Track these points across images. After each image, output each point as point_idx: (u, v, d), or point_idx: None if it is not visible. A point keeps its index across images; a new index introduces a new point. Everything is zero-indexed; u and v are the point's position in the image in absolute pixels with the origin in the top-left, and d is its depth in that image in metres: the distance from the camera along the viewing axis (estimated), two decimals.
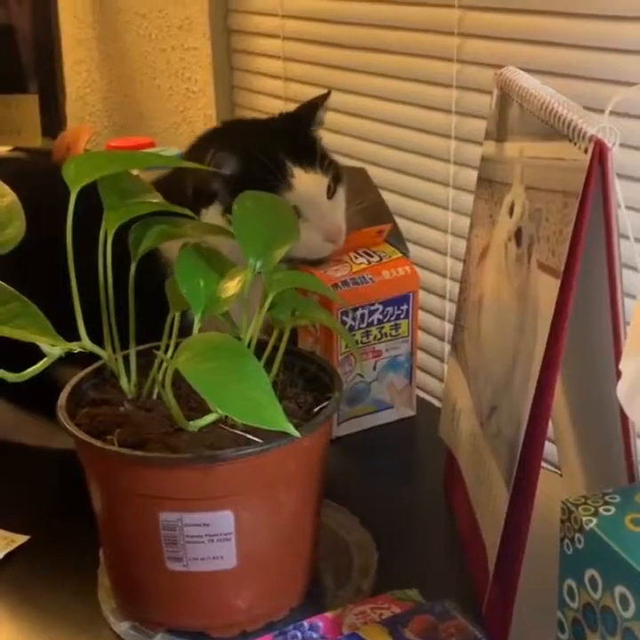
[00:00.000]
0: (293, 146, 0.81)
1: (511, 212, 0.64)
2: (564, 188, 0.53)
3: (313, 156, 0.81)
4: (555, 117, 0.55)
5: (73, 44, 1.92)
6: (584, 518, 0.47)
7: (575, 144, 0.51)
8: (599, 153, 0.49)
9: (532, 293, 0.58)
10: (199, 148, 0.83)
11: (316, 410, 0.63)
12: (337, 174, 0.83)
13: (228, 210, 0.78)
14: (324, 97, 0.86)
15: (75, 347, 0.59)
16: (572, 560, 0.49)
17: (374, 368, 0.90)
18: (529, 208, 0.60)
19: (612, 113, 0.51)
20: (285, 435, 0.53)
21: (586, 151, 0.50)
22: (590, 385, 0.62)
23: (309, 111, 0.86)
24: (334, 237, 0.82)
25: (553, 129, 0.55)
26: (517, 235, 0.62)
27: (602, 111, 0.51)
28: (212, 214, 0.80)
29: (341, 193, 0.84)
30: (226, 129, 0.88)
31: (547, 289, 0.54)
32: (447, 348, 1.22)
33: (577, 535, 0.48)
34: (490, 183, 0.71)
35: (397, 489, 0.82)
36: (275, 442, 0.57)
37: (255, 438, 0.58)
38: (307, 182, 0.80)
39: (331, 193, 0.82)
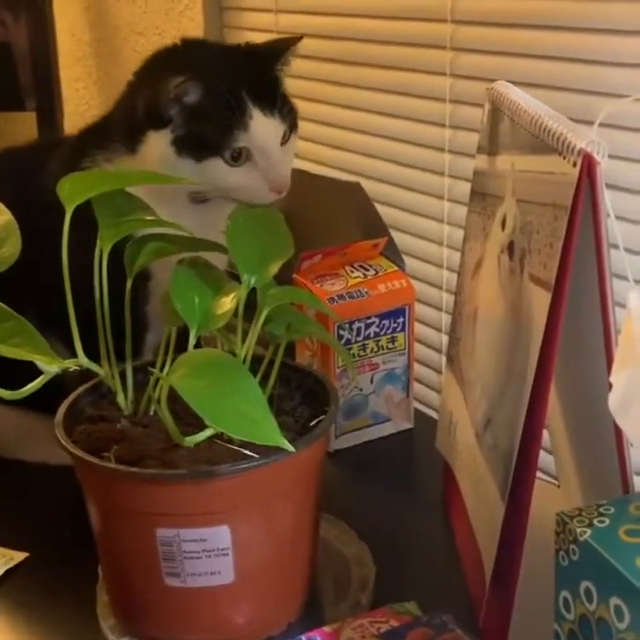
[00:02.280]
0: (256, 84, 0.77)
1: (503, 226, 0.64)
2: (553, 201, 0.54)
3: (274, 99, 0.77)
4: (544, 131, 0.55)
5: (70, 62, 1.93)
6: (578, 530, 0.47)
7: (564, 158, 0.52)
8: (588, 167, 0.49)
9: (525, 306, 0.58)
10: (162, 70, 0.77)
11: (312, 424, 0.63)
12: (293, 122, 0.80)
13: (177, 140, 0.75)
14: (296, 39, 0.81)
15: (71, 365, 0.60)
16: (568, 572, 0.49)
17: (371, 381, 0.90)
18: (520, 221, 0.60)
19: (601, 125, 0.52)
20: (281, 449, 0.53)
21: (575, 165, 0.50)
22: (584, 396, 0.62)
23: (278, 49, 0.80)
24: (280, 189, 0.78)
25: (542, 143, 0.55)
26: (510, 248, 0.62)
27: (593, 123, 0.52)
28: (160, 139, 0.76)
29: (293, 140, 0.80)
30: (188, 50, 0.80)
31: (539, 301, 0.55)
32: (444, 360, 1.22)
33: (572, 547, 0.48)
34: (483, 196, 0.72)
35: (395, 502, 0.82)
36: (271, 457, 0.57)
37: (251, 453, 0.58)
38: (263, 126, 0.76)
39: (284, 140, 0.78)
